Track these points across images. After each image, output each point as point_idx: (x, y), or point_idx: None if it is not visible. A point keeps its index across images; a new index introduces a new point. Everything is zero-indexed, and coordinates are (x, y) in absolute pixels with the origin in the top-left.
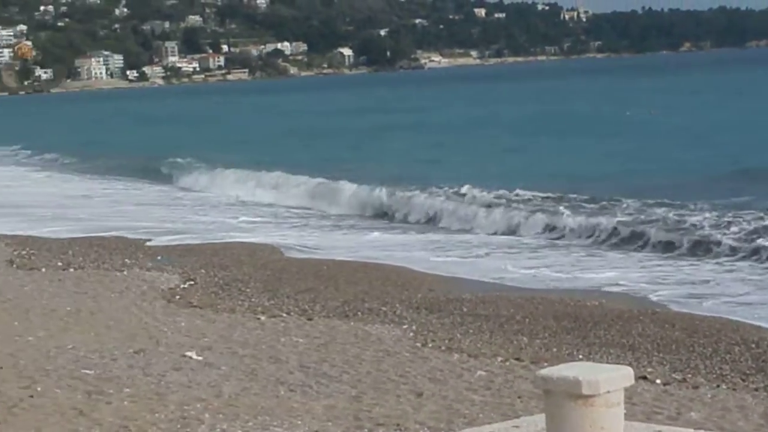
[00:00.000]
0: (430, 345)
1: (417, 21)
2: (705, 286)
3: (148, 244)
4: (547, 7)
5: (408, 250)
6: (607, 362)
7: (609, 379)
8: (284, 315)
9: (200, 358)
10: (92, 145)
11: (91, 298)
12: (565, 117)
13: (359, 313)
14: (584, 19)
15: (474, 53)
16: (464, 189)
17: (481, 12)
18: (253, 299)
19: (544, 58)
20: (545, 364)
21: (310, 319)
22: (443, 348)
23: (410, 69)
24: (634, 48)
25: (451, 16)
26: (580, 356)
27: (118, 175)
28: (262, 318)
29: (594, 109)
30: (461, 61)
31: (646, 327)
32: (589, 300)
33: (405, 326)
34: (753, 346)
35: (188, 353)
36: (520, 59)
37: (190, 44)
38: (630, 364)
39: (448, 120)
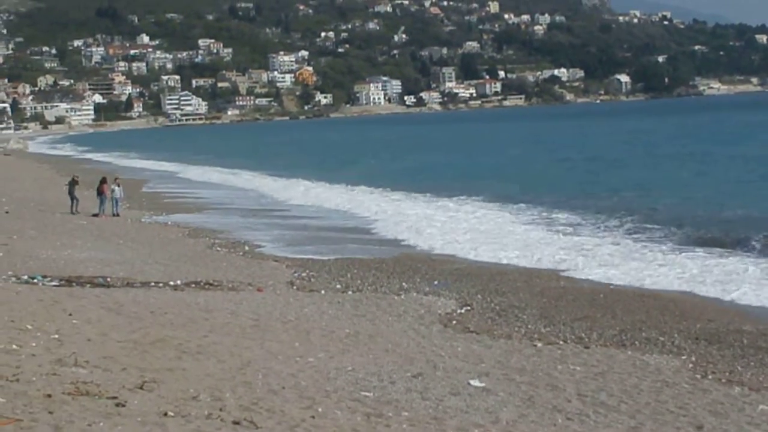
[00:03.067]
0: (710, 377)
1: (696, 47)
2: None
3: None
4: None
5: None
6: None
7: None
8: (561, 342)
9: (482, 384)
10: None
11: (370, 321)
12: None
13: (636, 342)
14: None
15: (754, 80)
16: None
17: (762, 38)
18: (529, 326)
19: None
20: None
21: (587, 347)
22: (723, 380)
23: (688, 96)
24: None
25: (731, 43)
26: None
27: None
28: (539, 345)
29: None
30: (741, 87)
31: None
32: None
33: (684, 357)
34: None
35: (472, 381)
36: None
37: (467, 70)
38: None
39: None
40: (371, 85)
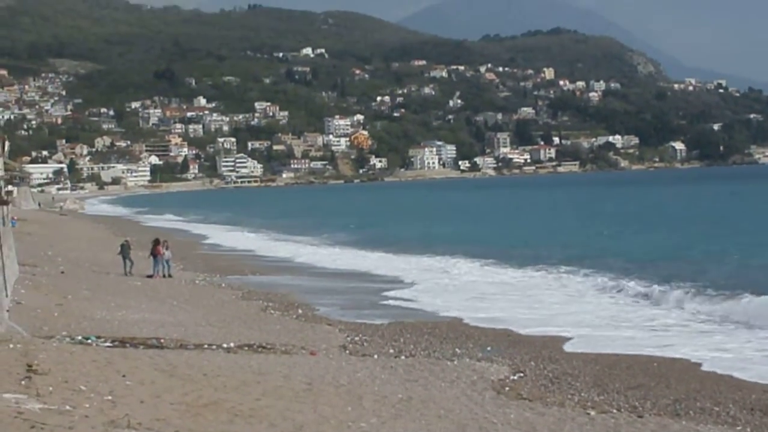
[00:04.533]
0: None
1: (752, 116)
2: None
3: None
4: None
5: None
6: None
7: None
8: (614, 411)
9: None
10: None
11: (422, 386)
12: None
13: (691, 412)
14: None
15: None
16: None
17: None
18: (582, 393)
19: None
20: None
21: (640, 416)
22: None
23: (743, 164)
24: None
25: None
26: None
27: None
28: (592, 413)
29: None
30: None
31: None
32: None
33: (739, 428)
34: None
35: None
36: None
37: (522, 136)
38: None
39: None
40: (426, 149)
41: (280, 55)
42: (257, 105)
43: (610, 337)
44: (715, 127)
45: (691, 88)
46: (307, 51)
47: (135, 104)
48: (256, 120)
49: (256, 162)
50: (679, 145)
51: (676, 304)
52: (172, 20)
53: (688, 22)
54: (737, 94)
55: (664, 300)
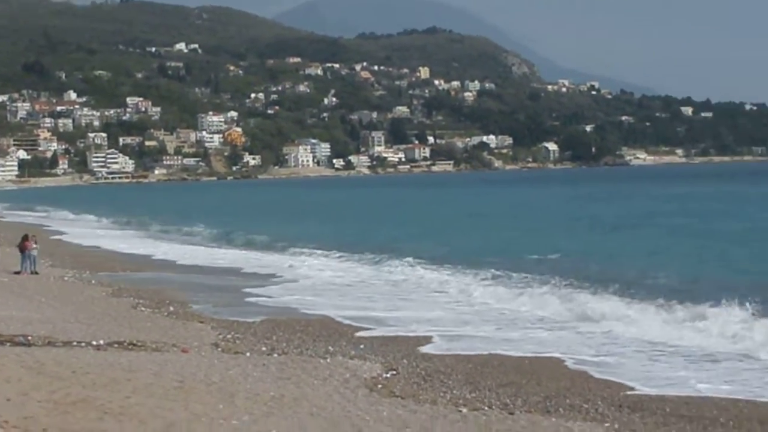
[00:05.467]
0: None
1: (623, 118)
2: None
3: (357, 334)
4: (755, 108)
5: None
6: None
7: None
8: (486, 408)
9: None
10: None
11: (295, 384)
12: None
13: (561, 409)
14: None
15: (679, 151)
16: None
17: (687, 111)
18: (454, 391)
19: (750, 158)
20: None
21: (511, 414)
22: None
23: (615, 165)
24: None
25: (657, 114)
26: None
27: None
28: (464, 410)
29: None
30: (666, 158)
31: None
32: None
33: (607, 424)
34: None
35: None
36: (726, 159)
37: (397, 134)
38: None
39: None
40: (300, 147)
41: (153, 49)
42: (129, 100)
43: (482, 336)
44: (588, 128)
45: (564, 89)
46: (181, 46)
47: (2, 97)
48: (127, 115)
49: (127, 158)
50: (552, 146)
51: (536, 303)
52: (41, 12)
53: (562, 24)
54: (609, 96)
55: (533, 296)
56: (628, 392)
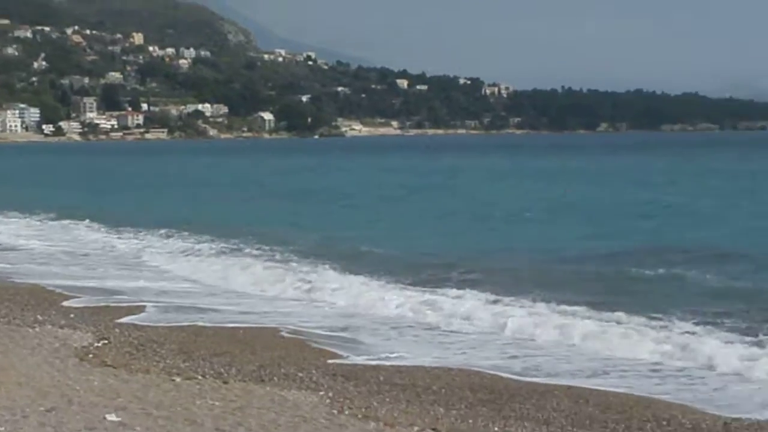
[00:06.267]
0: (346, 412)
1: (339, 89)
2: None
3: (67, 303)
4: (468, 82)
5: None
6: None
7: None
8: (199, 377)
9: (118, 419)
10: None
11: (2, 354)
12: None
13: (275, 378)
14: (505, 96)
15: (395, 123)
16: None
17: (403, 83)
18: (168, 360)
19: (464, 131)
20: None
21: (225, 383)
22: (360, 416)
23: (330, 136)
24: (553, 126)
25: (373, 86)
26: (496, 429)
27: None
28: (177, 380)
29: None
30: (382, 130)
31: (561, 402)
32: (504, 372)
33: (321, 393)
34: (664, 423)
35: (108, 416)
36: (440, 131)
37: (110, 101)
38: None
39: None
40: (8, 112)
41: None
42: None
43: (196, 306)
44: (304, 98)
45: (281, 59)
46: None
47: None
48: None
49: None
50: (267, 116)
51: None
52: None
53: None
54: (326, 67)
55: (246, 267)
56: (342, 361)
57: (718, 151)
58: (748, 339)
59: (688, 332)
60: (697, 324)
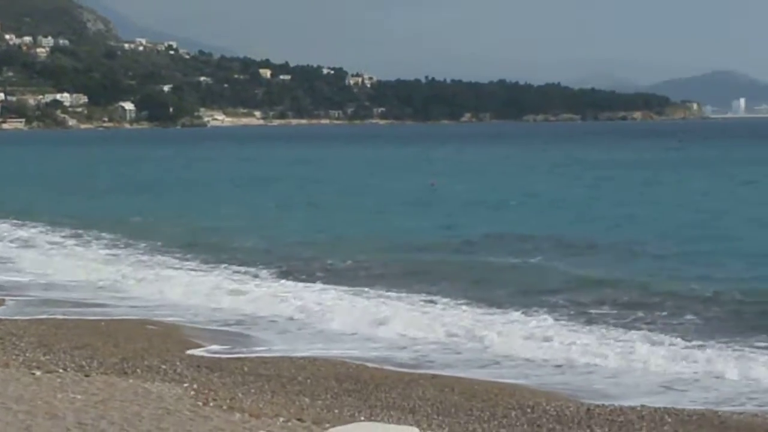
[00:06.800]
0: (211, 404)
1: (202, 78)
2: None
3: None
4: (332, 72)
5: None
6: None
7: None
8: (60, 371)
9: None
10: None
11: None
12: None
13: (138, 370)
14: (369, 86)
15: (258, 113)
16: None
17: (266, 73)
18: (27, 354)
19: (327, 121)
20: (327, 425)
21: (87, 376)
22: (225, 407)
23: (192, 126)
24: (417, 116)
25: (236, 76)
26: (362, 418)
27: None
28: (38, 373)
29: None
30: (245, 120)
31: (426, 390)
32: (370, 362)
33: (186, 384)
34: (528, 410)
35: None
36: (303, 121)
37: None
38: None
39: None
40: None
41: None
42: None
43: (55, 299)
44: (166, 88)
45: (141, 48)
46: None
47: None
48: None
49: None
50: (129, 106)
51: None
52: None
53: None
54: (188, 56)
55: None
56: (206, 353)
57: (577, 141)
58: (609, 331)
59: (551, 323)
60: (560, 316)
